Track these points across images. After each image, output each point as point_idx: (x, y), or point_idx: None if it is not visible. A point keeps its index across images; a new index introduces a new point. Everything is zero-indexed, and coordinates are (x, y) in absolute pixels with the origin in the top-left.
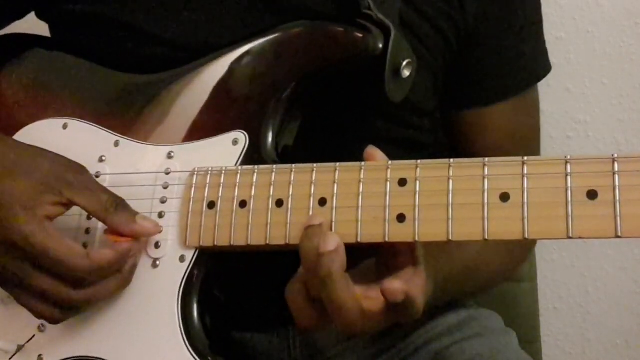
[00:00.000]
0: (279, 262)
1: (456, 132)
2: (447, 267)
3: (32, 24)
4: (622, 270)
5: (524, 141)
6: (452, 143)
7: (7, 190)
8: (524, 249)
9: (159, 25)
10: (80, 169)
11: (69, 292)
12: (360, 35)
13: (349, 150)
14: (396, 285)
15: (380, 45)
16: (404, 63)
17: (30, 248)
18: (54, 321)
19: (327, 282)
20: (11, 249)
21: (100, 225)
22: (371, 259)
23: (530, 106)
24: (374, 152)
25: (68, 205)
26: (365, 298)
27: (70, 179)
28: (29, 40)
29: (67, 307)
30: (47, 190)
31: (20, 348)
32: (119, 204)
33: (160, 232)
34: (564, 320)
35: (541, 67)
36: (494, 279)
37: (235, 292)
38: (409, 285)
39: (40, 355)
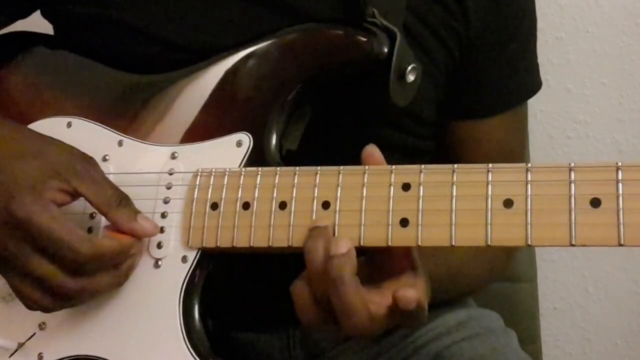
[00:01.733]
0: (280, 264)
1: (447, 141)
2: (432, 270)
3: (36, 23)
4: (622, 270)
5: (511, 154)
6: (442, 151)
7: (16, 171)
8: (505, 257)
9: (161, 27)
10: (90, 161)
11: (65, 278)
12: (365, 38)
13: (351, 155)
14: (410, 293)
15: (386, 50)
16: (409, 68)
17: (33, 228)
18: (44, 309)
19: (338, 285)
20: (14, 228)
21: (103, 224)
22: (359, 257)
23: (520, 120)
24: (373, 151)
25: (73, 194)
26: (369, 302)
27: (78, 169)
28: (34, 39)
29: (60, 295)
30: (55, 175)
31: (20, 346)
32: (123, 200)
33: (160, 233)
34: (564, 320)
35: (535, 83)
36: (475, 285)
37: (237, 293)
38: (420, 292)
39: (40, 354)
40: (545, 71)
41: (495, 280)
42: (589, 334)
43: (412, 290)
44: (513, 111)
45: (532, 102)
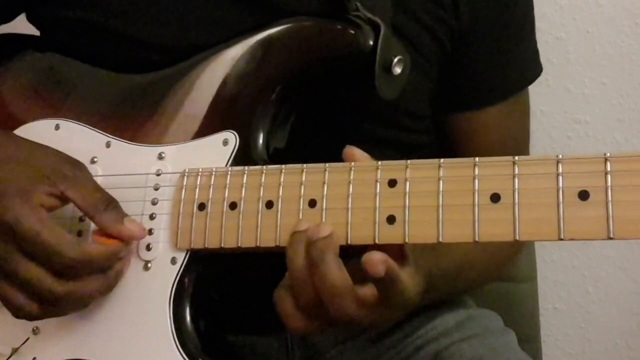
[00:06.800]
0: (274, 264)
1: (447, 134)
2: (434, 265)
3: (22, 25)
4: (622, 270)
5: (514, 143)
6: (443, 144)
7: (4, 176)
8: (512, 249)
9: (144, 29)
10: (78, 165)
11: (52, 283)
12: (350, 31)
13: (341, 152)
14: (376, 255)
15: (371, 42)
16: (395, 60)
17: (20, 231)
18: (30, 316)
19: (320, 266)
20: (1, 232)
21: (92, 227)
22: (355, 259)
23: (521, 108)
24: (353, 152)
25: (62, 198)
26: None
27: (66, 173)
28: (21, 40)
29: (47, 300)
30: (42, 180)
31: (14, 351)
32: (110, 203)
33: (148, 234)
34: (564, 320)
35: (533, 69)
36: (483, 278)
37: (230, 295)
38: (392, 262)
39: (34, 358)
40: (545, 71)
41: (508, 265)
42: (589, 334)
43: (378, 253)
44: (513, 99)
45: (532, 102)
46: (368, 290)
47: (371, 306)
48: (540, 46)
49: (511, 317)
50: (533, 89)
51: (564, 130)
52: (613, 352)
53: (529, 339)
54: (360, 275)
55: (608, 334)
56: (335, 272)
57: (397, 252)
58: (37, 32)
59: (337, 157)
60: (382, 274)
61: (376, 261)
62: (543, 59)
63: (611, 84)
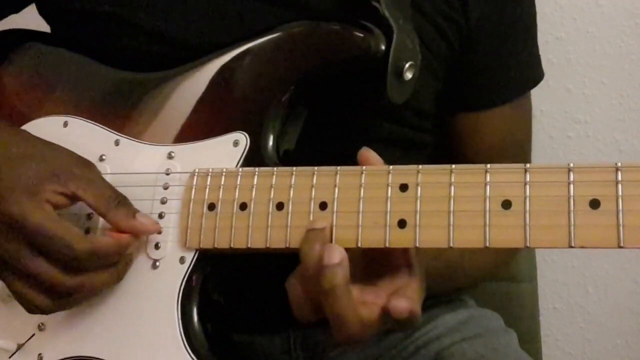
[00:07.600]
0: (280, 264)
1: (450, 134)
2: (430, 264)
3: (30, 20)
4: (622, 270)
5: (517, 145)
6: (446, 144)
7: (14, 173)
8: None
9: (161, 24)
10: (87, 164)
11: (62, 276)
12: (362, 35)
13: (351, 152)
14: (402, 304)
15: (383, 47)
16: (407, 65)
17: (29, 227)
18: (43, 310)
19: (330, 295)
20: (9, 228)
21: (100, 225)
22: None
23: (523, 111)
24: (368, 154)
25: (72, 197)
26: (362, 304)
27: (76, 172)
28: (29, 36)
29: (58, 294)
30: (52, 178)
31: (20, 347)
32: (121, 200)
33: (159, 231)
34: (564, 320)
35: (536, 73)
36: (479, 277)
37: (236, 294)
38: (412, 301)
39: (40, 354)
40: (546, 71)
41: (501, 270)
42: (589, 334)
43: (404, 301)
44: (516, 102)
45: (532, 102)
46: (371, 310)
47: (373, 322)
48: (540, 46)
49: (511, 317)
50: (533, 89)
51: (564, 130)
52: (613, 352)
53: (529, 339)
54: (364, 266)
55: (608, 334)
56: (345, 304)
57: (403, 261)
58: (47, 28)
59: (347, 156)
60: (405, 317)
61: (403, 310)
62: (543, 59)
63: (611, 84)
